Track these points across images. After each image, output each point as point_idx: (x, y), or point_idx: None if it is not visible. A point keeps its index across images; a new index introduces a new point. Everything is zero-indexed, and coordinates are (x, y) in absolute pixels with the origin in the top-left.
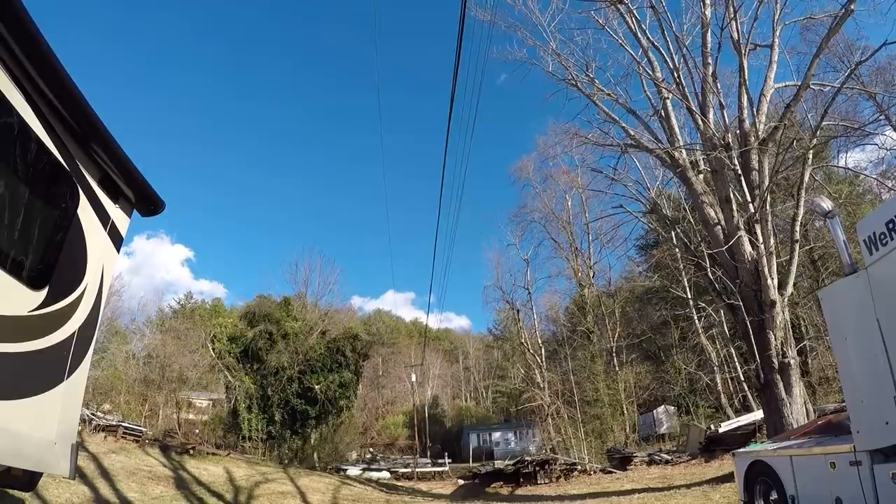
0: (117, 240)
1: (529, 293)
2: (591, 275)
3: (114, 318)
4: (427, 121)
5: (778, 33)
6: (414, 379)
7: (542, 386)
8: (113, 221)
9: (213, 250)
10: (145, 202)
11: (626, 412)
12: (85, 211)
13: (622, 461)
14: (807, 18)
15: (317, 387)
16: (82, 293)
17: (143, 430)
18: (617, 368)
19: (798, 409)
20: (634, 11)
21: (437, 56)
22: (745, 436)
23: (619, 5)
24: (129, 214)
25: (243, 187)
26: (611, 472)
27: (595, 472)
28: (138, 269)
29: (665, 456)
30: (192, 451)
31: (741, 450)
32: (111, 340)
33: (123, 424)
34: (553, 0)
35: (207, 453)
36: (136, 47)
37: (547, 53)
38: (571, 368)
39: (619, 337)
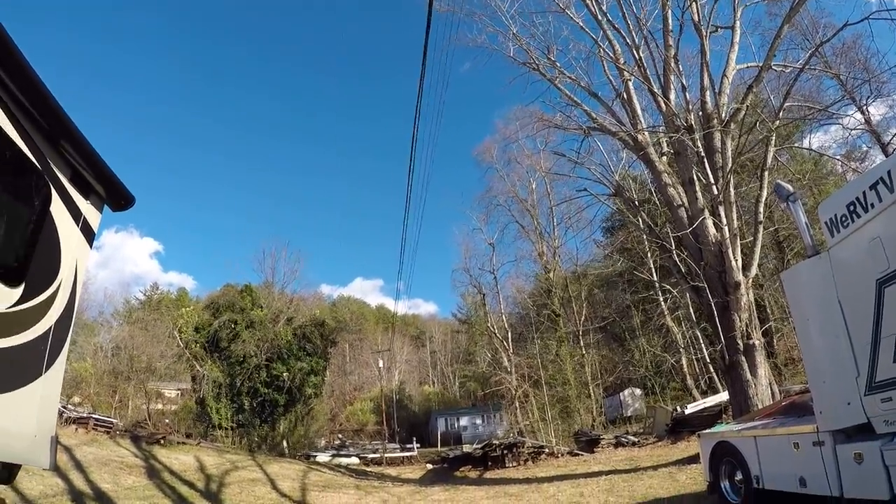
0: (89, 235)
1: (495, 277)
2: (557, 258)
3: (81, 311)
4: (397, 105)
5: (739, 14)
6: (381, 365)
7: (508, 370)
8: (85, 217)
9: (182, 242)
10: (116, 197)
11: (592, 395)
12: (57, 208)
13: (589, 444)
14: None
15: (284, 374)
16: (57, 289)
17: (114, 421)
18: (583, 351)
19: (763, 391)
20: None
21: (405, 40)
22: (711, 417)
23: None
24: (101, 210)
25: (211, 177)
26: (578, 455)
27: (563, 455)
28: (107, 262)
29: (632, 438)
30: (162, 441)
31: (706, 431)
32: (79, 333)
33: (94, 416)
34: None
35: (177, 443)
36: (89, 29)
37: (507, 38)
38: (538, 352)
39: (586, 319)
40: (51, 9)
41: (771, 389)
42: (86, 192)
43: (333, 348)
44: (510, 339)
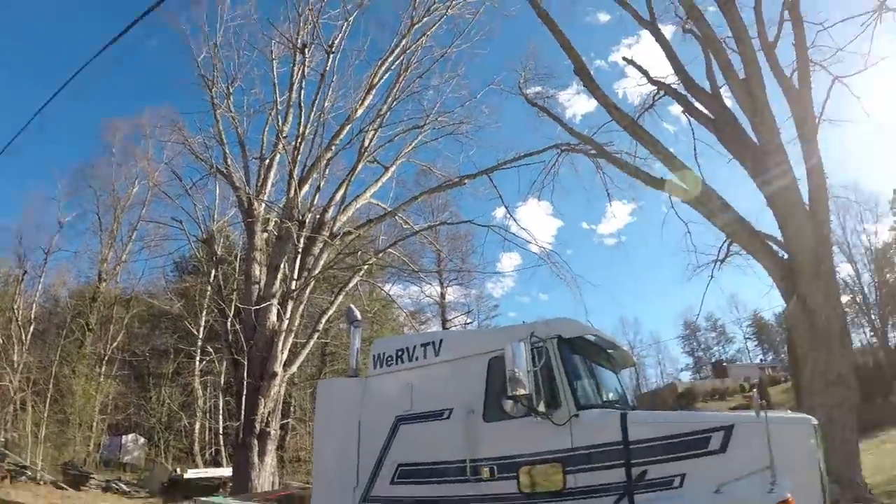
0: None
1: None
2: (118, 269)
3: None
4: None
5: (398, 163)
6: None
7: (16, 366)
8: None
9: None
10: None
11: (94, 428)
12: None
13: (77, 479)
14: (426, 166)
15: None
16: None
17: None
18: (101, 379)
19: (266, 476)
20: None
21: None
22: (209, 487)
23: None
24: None
25: None
26: (63, 489)
27: (46, 484)
28: None
29: (123, 486)
30: None
31: (203, 498)
32: None
33: None
34: None
35: None
36: None
37: None
38: (56, 359)
39: (118, 347)
40: None
41: (273, 478)
42: None
43: None
44: (31, 332)
